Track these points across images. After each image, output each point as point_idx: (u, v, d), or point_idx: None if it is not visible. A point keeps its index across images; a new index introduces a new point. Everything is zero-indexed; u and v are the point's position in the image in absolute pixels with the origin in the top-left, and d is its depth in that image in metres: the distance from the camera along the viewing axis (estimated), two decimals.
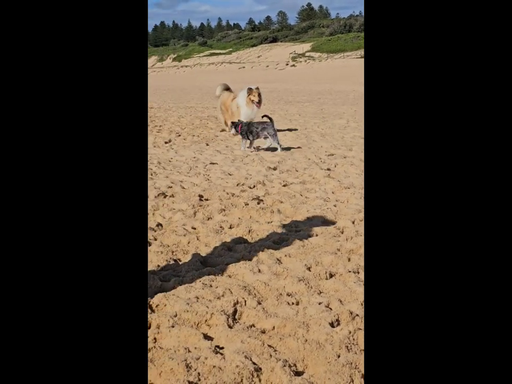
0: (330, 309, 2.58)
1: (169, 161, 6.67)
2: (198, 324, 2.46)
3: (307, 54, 70.49)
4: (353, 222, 3.95)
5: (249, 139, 7.57)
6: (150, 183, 5.27)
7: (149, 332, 2.35)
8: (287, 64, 62.31)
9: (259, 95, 8.86)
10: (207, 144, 8.02)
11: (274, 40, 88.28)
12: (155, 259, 3.23)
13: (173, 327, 2.39)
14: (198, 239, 3.63)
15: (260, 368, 2.07)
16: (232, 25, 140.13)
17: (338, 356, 2.16)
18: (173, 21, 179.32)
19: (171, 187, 5.12)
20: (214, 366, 2.07)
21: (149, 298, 2.66)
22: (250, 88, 8.94)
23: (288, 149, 7.45)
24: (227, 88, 9.94)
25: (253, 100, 8.82)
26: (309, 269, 3.07)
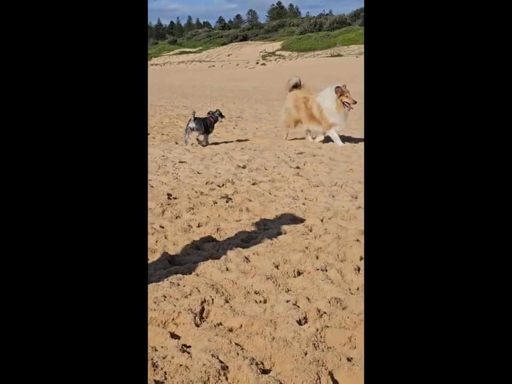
0: (298, 306, 2.58)
1: None
2: (165, 323, 2.44)
3: (277, 52, 70.68)
4: (321, 220, 3.97)
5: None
6: None
7: None
8: (257, 63, 62.35)
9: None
10: (176, 143, 7.97)
11: (245, 38, 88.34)
12: None
13: None
14: (166, 237, 3.61)
15: (227, 367, 2.06)
16: (202, 23, 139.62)
17: (305, 354, 2.16)
18: None
19: None
20: (180, 365, 2.06)
21: None
22: (339, 87, 7.46)
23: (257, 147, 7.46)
24: (296, 86, 8.15)
25: (346, 103, 7.46)
26: (277, 267, 3.07)
